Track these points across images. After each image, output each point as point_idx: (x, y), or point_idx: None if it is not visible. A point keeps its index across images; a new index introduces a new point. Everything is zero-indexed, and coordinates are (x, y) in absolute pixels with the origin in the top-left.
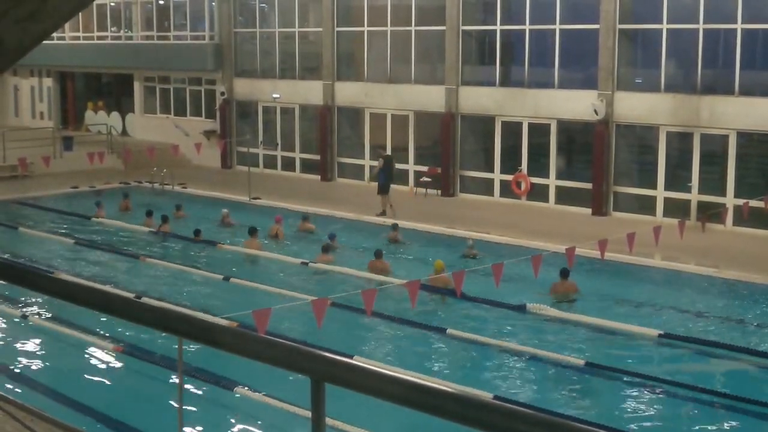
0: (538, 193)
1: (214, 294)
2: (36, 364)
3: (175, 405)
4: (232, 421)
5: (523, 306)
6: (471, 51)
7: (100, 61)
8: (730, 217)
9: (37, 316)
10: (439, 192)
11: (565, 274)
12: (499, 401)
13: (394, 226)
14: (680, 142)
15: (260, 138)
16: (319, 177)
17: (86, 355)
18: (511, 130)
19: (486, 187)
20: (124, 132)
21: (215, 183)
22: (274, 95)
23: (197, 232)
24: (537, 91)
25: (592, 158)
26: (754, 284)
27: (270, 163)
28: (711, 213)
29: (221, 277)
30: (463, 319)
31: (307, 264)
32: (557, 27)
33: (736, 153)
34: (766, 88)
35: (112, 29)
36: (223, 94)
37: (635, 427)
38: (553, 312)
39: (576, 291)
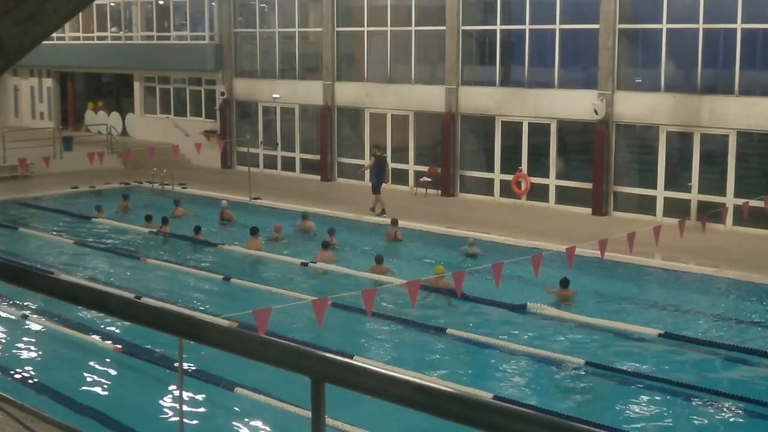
0: (538, 193)
1: (214, 294)
2: (36, 365)
3: (176, 405)
4: (233, 421)
5: (523, 306)
6: (471, 51)
7: (100, 62)
8: (730, 217)
9: (36, 317)
10: (440, 192)
11: (565, 283)
12: (499, 401)
13: (394, 222)
14: (680, 141)
15: (260, 138)
16: (319, 177)
17: (86, 356)
18: (511, 130)
19: (486, 187)
20: (124, 132)
21: (215, 183)
22: (274, 96)
23: (198, 229)
24: (537, 91)
25: (592, 158)
26: (755, 284)
27: (270, 163)
28: (711, 213)
29: (221, 277)
30: (463, 319)
31: (306, 264)
32: (557, 27)
33: (736, 153)
34: (766, 87)
35: (112, 29)
36: (223, 94)
37: (635, 427)
38: (554, 312)
39: (574, 295)
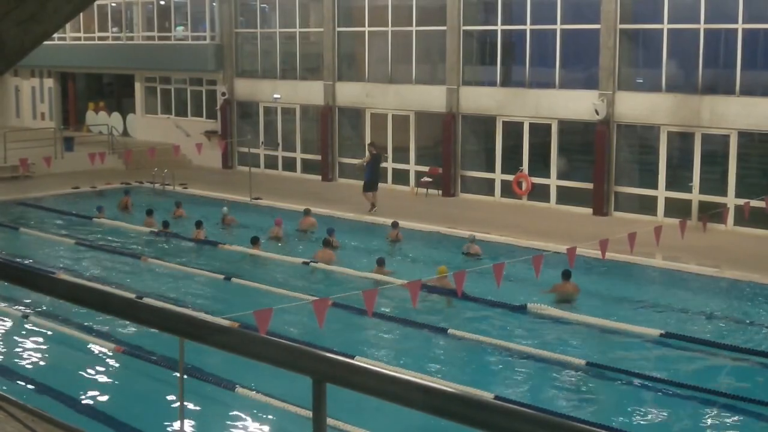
0: (539, 193)
1: (215, 294)
2: (37, 365)
3: (177, 405)
4: (234, 421)
5: (524, 306)
6: (472, 51)
7: (101, 62)
8: (731, 217)
9: (37, 317)
10: (440, 192)
11: (567, 275)
12: (500, 401)
13: (395, 224)
14: (681, 142)
15: (261, 138)
16: (320, 177)
17: (87, 356)
18: (512, 130)
19: (487, 187)
20: (125, 132)
21: (216, 183)
22: (275, 96)
23: (199, 224)
24: (538, 91)
25: (593, 158)
26: (756, 284)
27: (271, 163)
28: (712, 213)
29: (222, 277)
30: (464, 319)
31: (308, 264)
32: (558, 27)
33: (737, 153)
34: (767, 87)
35: (113, 30)
36: (224, 94)
37: (636, 427)
38: (554, 312)
39: (577, 292)
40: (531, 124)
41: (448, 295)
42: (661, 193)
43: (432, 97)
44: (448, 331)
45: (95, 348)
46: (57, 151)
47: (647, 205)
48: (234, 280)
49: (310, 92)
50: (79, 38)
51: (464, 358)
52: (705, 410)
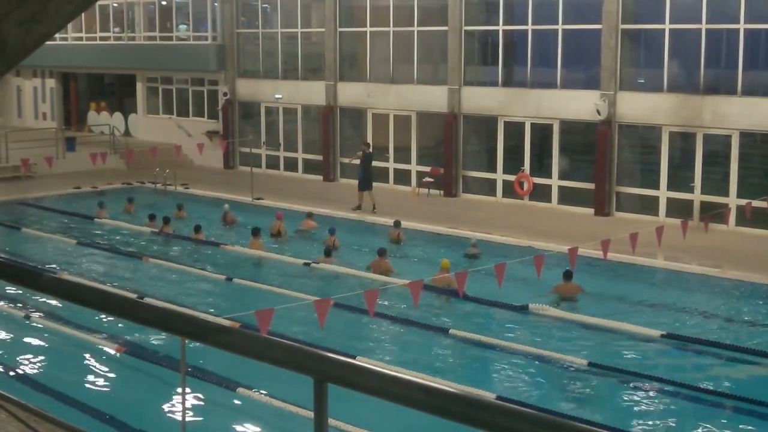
0: (540, 193)
1: (216, 294)
2: (39, 365)
3: (178, 405)
4: (235, 421)
5: (525, 306)
6: (473, 51)
7: (103, 62)
8: (732, 218)
9: (39, 317)
10: (442, 192)
11: (568, 275)
12: (501, 401)
13: (397, 224)
14: (683, 142)
15: (263, 138)
16: (321, 177)
17: (89, 356)
18: (514, 130)
19: (489, 187)
20: (127, 132)
21: (218, 183)
22: (276, 96)
23: (197, 228)
24: (540, 91)
25: (595, 158)
26: (757, 284)
27: (272, 163)
28: (714, 213)
29: (224, 277)
30: (465, 320)
31: (309, 264)
32: (560, 27)
33: (739, 153)
34: None
35: (115, 30)
36: (225, 94)
37: (638, 428)
38: (556, 312)
39: (579, 292)
40: (532, 125)
41: (449, 294)
42: (663, 194)
43: (433, 98)
44: (450, 331)
45: (97, 348)
46: (59, 151)
47: (649, 206)
48: (235, 280)
49: (312, 92)
50: (80, 38)
51: (466, 357)
52: (706, 411)
